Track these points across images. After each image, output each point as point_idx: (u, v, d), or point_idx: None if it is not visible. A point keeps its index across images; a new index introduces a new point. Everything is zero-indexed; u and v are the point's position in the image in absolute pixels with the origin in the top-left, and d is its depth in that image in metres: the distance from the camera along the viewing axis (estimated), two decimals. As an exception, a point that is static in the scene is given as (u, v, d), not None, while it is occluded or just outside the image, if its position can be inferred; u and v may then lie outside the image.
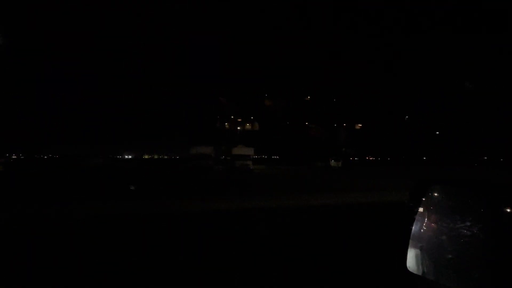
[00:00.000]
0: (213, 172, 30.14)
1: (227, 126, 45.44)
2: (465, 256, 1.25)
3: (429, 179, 1.48)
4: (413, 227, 1.41)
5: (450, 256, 1.29)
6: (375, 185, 17.51)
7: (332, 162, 44.40)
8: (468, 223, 1.26)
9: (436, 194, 1.46)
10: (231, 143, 37.90)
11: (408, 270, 1.36)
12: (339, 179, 23.51)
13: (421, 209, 1.42)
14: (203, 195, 12.88)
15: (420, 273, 1.34)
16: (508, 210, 1.22)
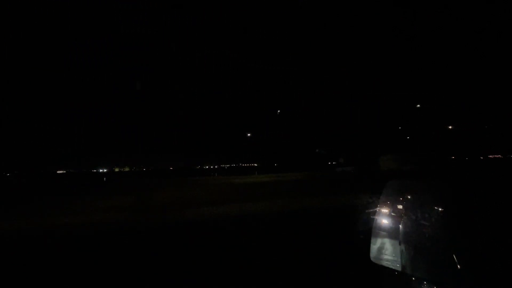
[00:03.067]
0: None
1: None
2: (427, 245, 1.36)
3: (388, 175, 1.59)
4: (390, 220, 1.49)
5: (417, 246, 1.39)
6: None
7: None
8: (427, 215, 1.38)
9: (406, 191, 1.56)
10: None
11: (372, 261, 1.45)
12: None
13: (400, 206, 1.50)
14: None
15: (399, 267, 1.40)
16: (451, 203, 1.38)
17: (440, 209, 1.40)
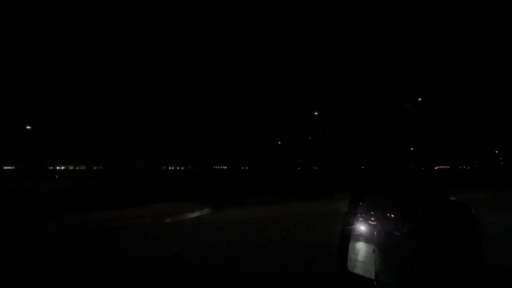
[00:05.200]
0: None
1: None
2: (399, 254, 1.41)
3: (365, 186, 1.63)
4: (366, 230, 1.52)
5: (391, 255, 1.43)
6: None
7: None
8: (399, 225, 1.44)
9: (379, 200, 1.61)
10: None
11: (349, 271, 1.47)
12: None
13: (376, 217, 1.54)
14: None
15: (372, 275, 1.42)
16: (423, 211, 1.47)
17: (411, 219, 1.46)
